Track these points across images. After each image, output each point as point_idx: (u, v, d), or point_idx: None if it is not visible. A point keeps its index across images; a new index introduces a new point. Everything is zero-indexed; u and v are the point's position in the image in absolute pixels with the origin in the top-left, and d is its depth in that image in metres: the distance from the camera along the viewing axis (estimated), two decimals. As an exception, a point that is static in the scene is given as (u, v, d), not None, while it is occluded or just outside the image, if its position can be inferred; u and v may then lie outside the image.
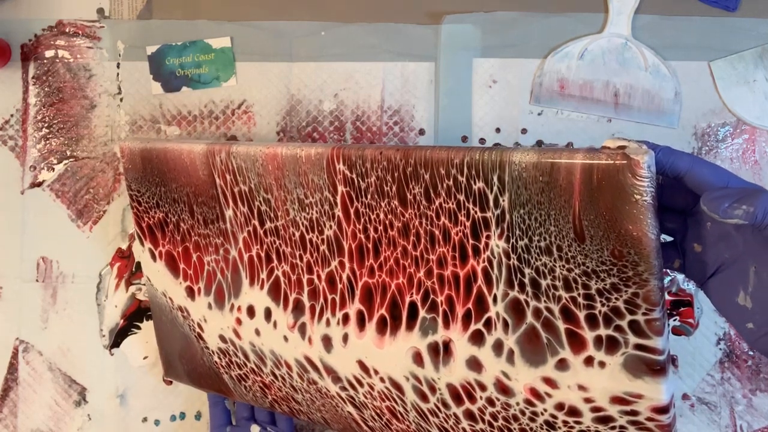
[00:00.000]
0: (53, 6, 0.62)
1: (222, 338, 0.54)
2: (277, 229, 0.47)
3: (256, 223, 0.48)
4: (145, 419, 0.62)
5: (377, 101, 0.60)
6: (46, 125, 0.62)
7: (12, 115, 0.62)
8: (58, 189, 0.61)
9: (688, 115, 0.58)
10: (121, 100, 0.61)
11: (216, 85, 0.61)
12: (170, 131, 0.61)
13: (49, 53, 0.61)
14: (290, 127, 0.60)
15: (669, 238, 0.39)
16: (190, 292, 0.54)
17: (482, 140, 0.59)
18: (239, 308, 0.52)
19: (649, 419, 0.37)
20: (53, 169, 0.61)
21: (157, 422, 0.62)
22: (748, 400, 0.58)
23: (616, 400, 0.38)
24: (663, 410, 0.37)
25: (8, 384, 0.62)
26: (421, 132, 0.60)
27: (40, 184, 0.62)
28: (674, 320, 0.58)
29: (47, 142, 0.62)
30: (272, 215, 0.47)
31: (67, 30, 0.61)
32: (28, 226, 0.62)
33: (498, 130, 0.59)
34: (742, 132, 0.58)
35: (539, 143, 0.59)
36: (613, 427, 0.39)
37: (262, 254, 0.49)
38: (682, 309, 0.58)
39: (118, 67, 0.61)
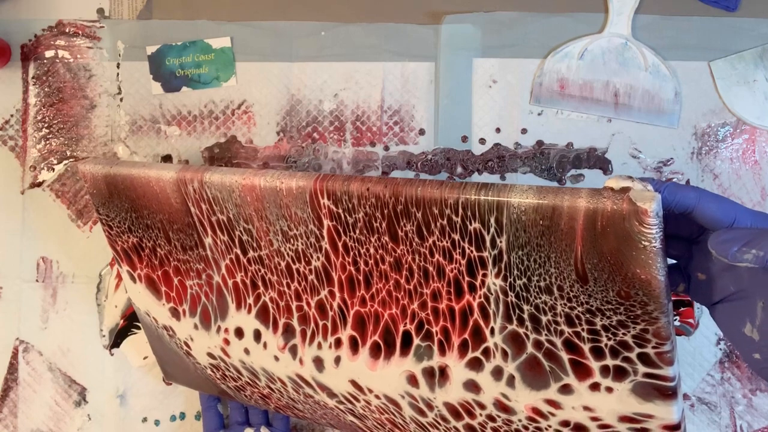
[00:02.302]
0: (53, 6, 0.62)
1: (211, 356, 0.53)
2: (261, 258, 0.45)
3: (238, 251, 0.46)
4: (145, 419, 0.62)
5: (377, 101, 0.60)
6: (46, 125, 0.61)
7: (12, 115, 0.62)
8: (58, 189, 0.61)
9: (688, 115, 0.58)
10: (121, 100, 0.61)
11: (216, 85, 0.61)
12: (170, 131, 0.61)
13: (49, 53, 0.61)
14: (290, 127, 0.60)
15: (673, 261, 0.39)
16: (175, 313, 0.53)
17: (482, 140, 0.59)
18: (226, 330, 0.50)
19: None
20: (53, 169, 0.61)
21: (157, 422, 0.62)
22: (748, 400, 0.58)
23: (625, 419, 0.37)
24: (674, 427, 0.36)
25: (8, 384, 0.62)
26: (421, 132, 0.60)
27: (40, 184, 0.62)
28: (674, 320, 0.58)
29: (47, 142, 0.62)
30: (255, 245, 0.45)
31: (67, 30, 0.61)
32: (28, 226, 0.62)
33: (498, 130, 0.59)
34: (742, 132, 0.58)
35: (539, 143, 0.59)
36: None
37: (247, 281, 0.47)
38: (682, 309, 0.58)
39: (118, 67, 0.61)
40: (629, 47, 0.58)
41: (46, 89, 0.62)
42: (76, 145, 0.61)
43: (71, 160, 0.61)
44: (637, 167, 0.58)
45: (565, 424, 0.39)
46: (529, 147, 0.59)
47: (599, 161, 0.59)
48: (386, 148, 0.60)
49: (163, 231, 0.48)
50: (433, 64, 0.60)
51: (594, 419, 0.38)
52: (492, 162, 0.59)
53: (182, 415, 0.62)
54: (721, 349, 0.58)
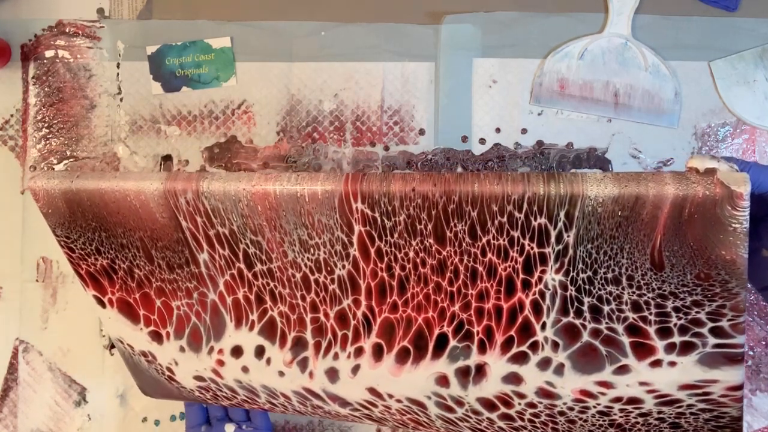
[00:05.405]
0: (53, 6, 0.62)
1: (199, 378, 0.50)
2: (271, 271, 0.41)
3: (242, 266, 0.42)
4: (145, 419, 0.62)
5: (377, 101, 0.60)
6: (46, 125, 0.62)
7: (12, 115, 0.62)
8: (58, 189, 0.61)
9: (688, 115, 0.58)
10: (121, 100, 0.61)
11: (216, 85, 0.61)
12: (170, 131, 0.61)
13: (49, 53, 0.61)
14: (290, 127, 0.60)
15: None
16: (156, 337, 0.48)
17: (482, 140, 0.59)
18: (220, 351, 0.47)
19: (723, 396, 0.36)
20: (53, 169, 0.61)
21: (157, 422, 0.62)
22: (748, 400, 0.58)
23: (687, 387, 0.36)
24: (738, 388, 0.36)
25: (8, 384, 0.62)
26: (421, 132, 0.60)
27: (40, 184, 0.62)
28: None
29: (47, 142, 0.62)
30: (264, 258, 0.41)
31: (67, 30, 0.61)
32: (28, 226, 0.62)
33: (498, 130, 0.59)
34: (742, 132, 0.58)
35: (539, 143, 0.59)
36: (680, 407, 0.37)
37: (252, 296, 0.43)
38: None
39: (118, 67, 0.61)
40: (629, 47, 0.58)
41: (46, 89, 0.62)
42: (76, 145, 0.61)
43: (71, 160, 0.61)
44: (637, 167, 0.58)
45: (617, 400, 0.38)
46: (529, 147, 0.59)
47: (599, 161, 0.59)
48: (386, 148, 0.60)
49: (144, 250, 0.44)
50: (433, 64, 0.60)
51: (651, 392, 0.37)
52: (492, 162, 0.59)
53: (182, 416, 0.62)
54: (721, 349, 0.58)
